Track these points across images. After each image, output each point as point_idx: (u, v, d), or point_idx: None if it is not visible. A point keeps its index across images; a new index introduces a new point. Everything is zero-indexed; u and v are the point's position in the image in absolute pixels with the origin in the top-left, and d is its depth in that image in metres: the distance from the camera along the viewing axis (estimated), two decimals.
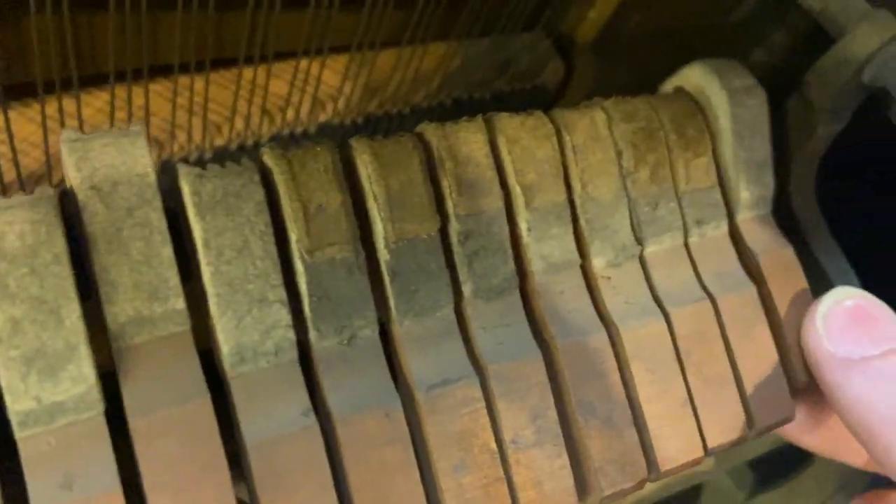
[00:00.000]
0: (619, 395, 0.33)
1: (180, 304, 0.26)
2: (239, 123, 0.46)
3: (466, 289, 0.32)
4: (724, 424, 0.35)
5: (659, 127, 0.37)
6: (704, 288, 0.37)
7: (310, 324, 0.28)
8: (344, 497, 0.27)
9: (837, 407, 0.34)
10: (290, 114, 0.48)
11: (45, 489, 0.23)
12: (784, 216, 0.44)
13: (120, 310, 0.25)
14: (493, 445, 0.30)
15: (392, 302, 0.30)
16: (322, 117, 0.50)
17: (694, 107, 0.38)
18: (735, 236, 0.38)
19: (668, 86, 0.43)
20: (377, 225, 0.30)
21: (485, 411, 0.30)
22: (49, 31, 0.33)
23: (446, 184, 0.31)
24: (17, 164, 0.38)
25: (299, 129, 0.49)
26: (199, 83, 0.43)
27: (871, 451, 0.33)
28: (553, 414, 0.32)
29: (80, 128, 0.42)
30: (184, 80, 0.40)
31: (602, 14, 0.55)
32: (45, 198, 0.25)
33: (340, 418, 0.28)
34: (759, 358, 0.37)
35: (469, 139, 0.32)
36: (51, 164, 0.38)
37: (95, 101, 0.43)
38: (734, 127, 0.38)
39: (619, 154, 0.36)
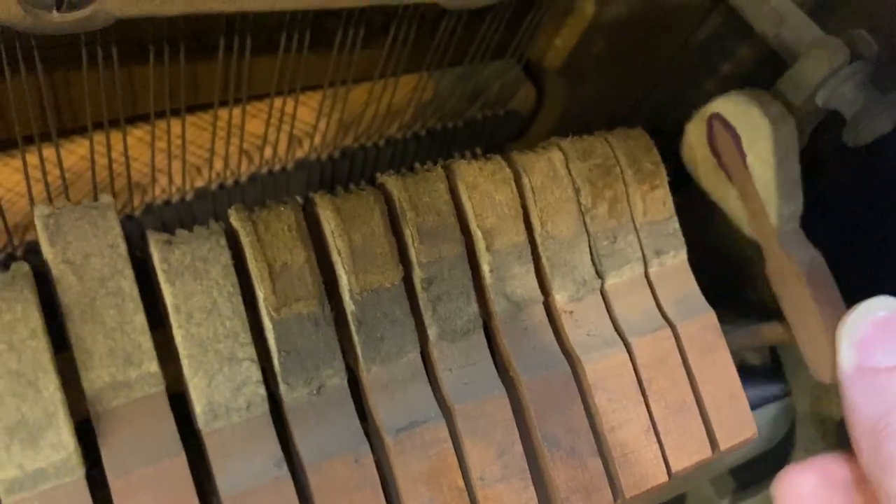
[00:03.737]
0: (583, 425, 0.35)
1: (154, 367, 0.28)
2: (218, 164, 0.48)
3: (432, 332, 0.33)
4: (688, 448, 0.37)
5: (615, 163, 0.38)
6: (665, 316, 0.38)
7: (279, 378, 0.30)
8: None
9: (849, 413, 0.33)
10: (268, 152, 0.50)
11: None
12: None
13: (96, 376, 0.27)
14: (461, 483, 0.32)
15: (359, 350, 0.31)
16: (299, 153, 0.51)
17: (648, 141, 0.40)
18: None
19: (700, 116, 0.44)
20: (342, 278, 0.31)
21: (452, 451, 0.32)
22: (25, 90, 0.35)
23: (408, 233, 0.33)
24: (2, 215, 0.39)
25: (277, 167, 0.50)
26: (176, 127, 0.44)
27: None
28: (519, 448, 0.33)
29: (62, 176, 0.44)
30: (161, 124, 0.42)
31: (568, 42, 0.57)
32: (21, 275, 0.26)
33: (311, 466, 0.29)
34: (719, 381, 0.38)
35: (430, 188, 0.34)
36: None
37: (79, 149, 0.45)
38: (775, 150, 0.40)
39: (577, 192, 0.37)
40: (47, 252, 0.27)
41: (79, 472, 0.26)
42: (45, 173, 0.41)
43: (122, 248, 0.28)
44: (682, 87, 0.62)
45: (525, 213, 0.36)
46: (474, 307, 0.34)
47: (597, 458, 0.35)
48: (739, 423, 0.38)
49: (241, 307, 0.29)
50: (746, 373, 0.49)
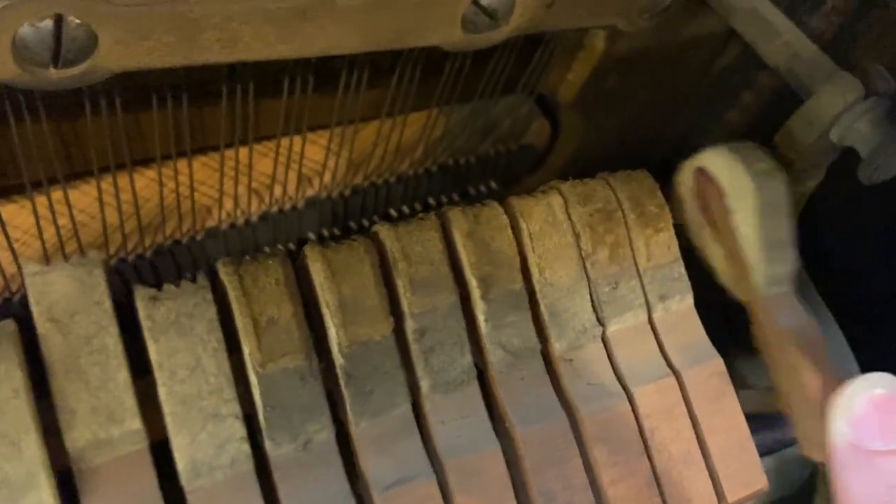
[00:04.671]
0: (581, 479, 0.34)
1: (136, 424, 0.28)
2: (228, 204, 0.48)
3: (424, 384, 0.33)
4: (692, 502, 0.36)
5: (616, 207, 0.38)
6: (669, 363, 0.37)
7: (265, 433, 0.29)
8: None
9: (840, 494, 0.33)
10: (278, 190, 0.50)
11: None
12: None
13: (79, 434, 0.27)
14: None
15: (348, 404, 0.31)
16: (309, 192, 0.51)
17: (653, 183, 0.39)
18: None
19: (688, 168, 0.43)
20: (330, 330, 0.31)
21: None
22: (31, 139, 0.36)
23: (400, 283, 0.33)
24: (15, 257, 0.40)
25: (288, 205, 0.50)
26: (185, 168, 0.44)
27: None
28: (514, 501, 0.32)
29: (72, 218, 0.44)
30: (170, 166, 0.42)
31: (579, 76, 0.56)
32: (5, 335, 0.26)
33: None
34: (727, 430, 0.37)
35: (423, 237, 0.33)
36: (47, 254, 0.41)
37: (93, 190, 0.45)
38: (759, 208, 0.38)
39: (577, 237, 0.37)
40: (34, 310, 0.27)
41: None
42: (54, 216, 0.41)
43: (108, 304, 0.28)
44: (701, 118, 0.61)
45: (523, 260, 0.36)
46: (469, 358, 0.34)
47: None
48: (748, 474, 0.37)
49: (226, 363, 0.29)
50: (761, 417, 0.48)
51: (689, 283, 0.39)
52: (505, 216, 0.35)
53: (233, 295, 0.29)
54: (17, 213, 0.43)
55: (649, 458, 0.35)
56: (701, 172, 0.39)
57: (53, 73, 0.34)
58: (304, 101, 0.44)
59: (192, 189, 0.47)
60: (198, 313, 0.29)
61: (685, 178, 0.40)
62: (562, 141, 0.60)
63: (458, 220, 0.34)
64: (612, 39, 0.56)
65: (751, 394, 0.43)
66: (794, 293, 0.39)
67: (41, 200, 0.37)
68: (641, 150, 0.51)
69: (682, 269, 0.39)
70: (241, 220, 0.49)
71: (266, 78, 0.45)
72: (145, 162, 0.47)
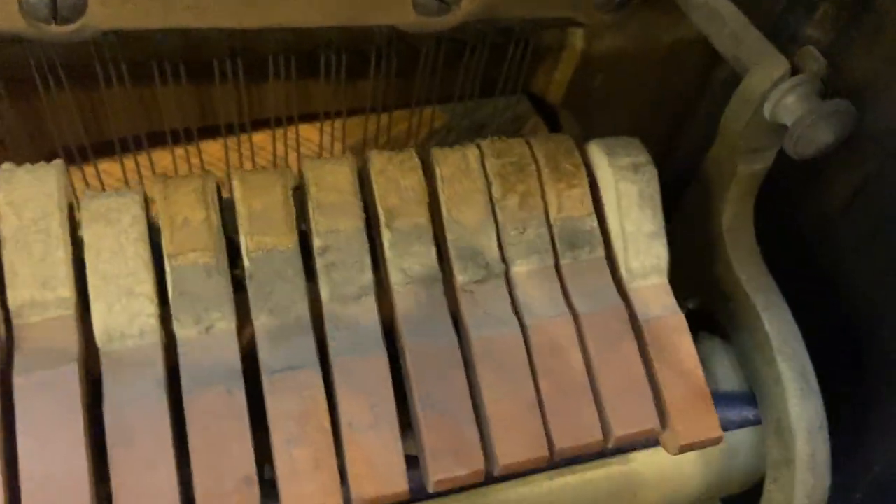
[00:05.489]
0: (463, 393, 0.37)
1: (67, 292, 0.34)
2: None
3: (324, 294, 0.38)
4: (576, 429, 0.38)
5: (530, 162, 0.41)
6: (570, 304, 0.40)
7: (173, 315, 0.35)
8: (187, 458, 0.34)
9: None
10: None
11: None
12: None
13: (19, 294, 0.34)
14: (328, 425, 0.35)
15: (250, 300, 0.36)
16: None
17: (571, 145, 0.43)
18: (626, 302, 0.41)
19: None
20: (241, 237, 0.37)
21: (323, 396, 0.35)
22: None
23: (310, 205, 0.38)
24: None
25: None
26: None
27: None
28: (392, 405, 0.36)
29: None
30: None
31: (564, 76, 0.60)
32: None
33: (190, 394, 0.34)
34: (621, 371, 0.39)
35: (335, 170, 0.39)
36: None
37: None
38: (618, 201, 0.42)
39: (488, 185, 0.41)
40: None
41: None
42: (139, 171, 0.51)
43: (56, 196, 0.35)
44: (716, 127, 0.63)
45: (434, 200, 0.40)
46: (368, 276, 0.38)
47: (473, 425, 0.37)
48: (639, 413, 0.39)
49: (146, 253, 0.35)
50: (722, 397, 0.49)
51: (601, 239, 0.42)
52: (417, 159, 0.40)
53: (156, 197, 0.36)
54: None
55: (536, 385, 0.38)
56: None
57: (54, 28, 0.42)
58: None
59: (253, 154, 0.54)
60: (124, 208, 0.35)
61: None
62: None
63: (375, 160, 0.39)
64: (590, 39, 0.60)
65: None
66: (667, 285, 0.42)
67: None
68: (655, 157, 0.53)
69: (595, 224, 0.42)
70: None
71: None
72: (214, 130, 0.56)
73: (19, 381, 0.33)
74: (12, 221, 0.34)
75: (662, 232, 0.42)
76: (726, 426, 0.48)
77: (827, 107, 0.42)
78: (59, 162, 0.36)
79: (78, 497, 0.32)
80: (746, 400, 0.51)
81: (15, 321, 0.34)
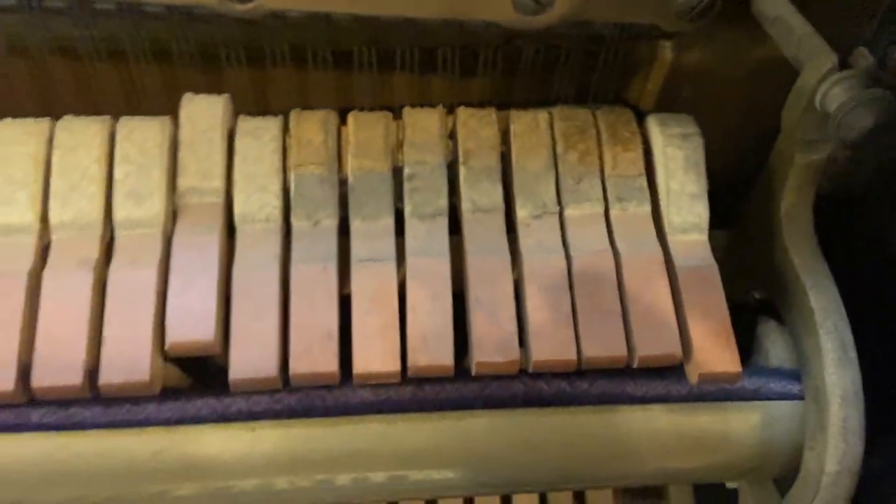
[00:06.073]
0: (509, 301, 0.46)
1: (219, 184, 0.46)
2: None
3: (406, 210, 0.48)
4: (603, 342, 0.45)
5: (592, 127, 0.50)
6: (613, 244, 0.48)
7: (292, 210, 0.47)
8: (287, 314, 0.45)
9: None
10: None
11: None
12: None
13: (185, 181, 0.46)
14: (396, 305, 0.45)
15: (350, 208, 0.47)
16: None
17: (630, 116, 0.51)
18: (665, 251, 0.48)
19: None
20: (348, 159, 0.48)
21: (395, 283, 0.45)
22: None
23: (405, 141, 0.48)
24: None
25: None
26: None
27: None
28: (449, 298, 0.45)
29: None
30: None
31: (655, 86, 0.66)
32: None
33: (296, 267, 0.45)
34: (651, 304, 0.46)
35: (428, 116, 0.49)
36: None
37: None
38: (666, 163, 0.49)
39: (553, 142, 0.50)
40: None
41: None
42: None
43: (220, 116, 0.47)
44: None
45: (508, 150, 0.49)
46: (444, 201, 0.48)
47: (514, 326, 0.45)
48: (664, 340, 0.46)
49: (279, 162, 0.47)
50: (770, 372, 0.54)
51: (648, 195, 0.49)
52: (495, 116, 0.50)
53: (291, 123, 0.47)
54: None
55: (573, 303, 0.46)
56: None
57: (238, 6, 0.55)
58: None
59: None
60: (268, 129, 0.47)
61: None
62: None
63: (461, 114, 0.50)
64: (679, 51, 0.66)
65: None
66: (706, 242, 0.48)
67: None
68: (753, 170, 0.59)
69: (644, 184, 0.49)
70: None
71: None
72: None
73: (178, 241, 0.45)
74: (188, 130, 0.47)
75: (704, 195, 0.49)
76: (769, 396, 0.53)
77: (867, 94, 0.48)
78: (226, 95, 0.49)
79: (205, 327, 0.43)
80: (794, 376, 0.55)
81: (178, 201, 0.47)
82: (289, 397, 0.44)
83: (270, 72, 0.61)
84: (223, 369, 0.43)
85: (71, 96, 0.56)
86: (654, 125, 0.50)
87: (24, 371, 0.41)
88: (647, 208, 0.50)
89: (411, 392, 0.45)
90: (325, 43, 0.60)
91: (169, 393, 0.44)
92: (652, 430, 0.49)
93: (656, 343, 0.46)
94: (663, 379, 0.49)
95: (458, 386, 0.46)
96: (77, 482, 0.43)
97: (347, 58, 0.61)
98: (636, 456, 0.49)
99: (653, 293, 0.47)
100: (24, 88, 0.54)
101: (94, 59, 0.55)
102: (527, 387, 0.47)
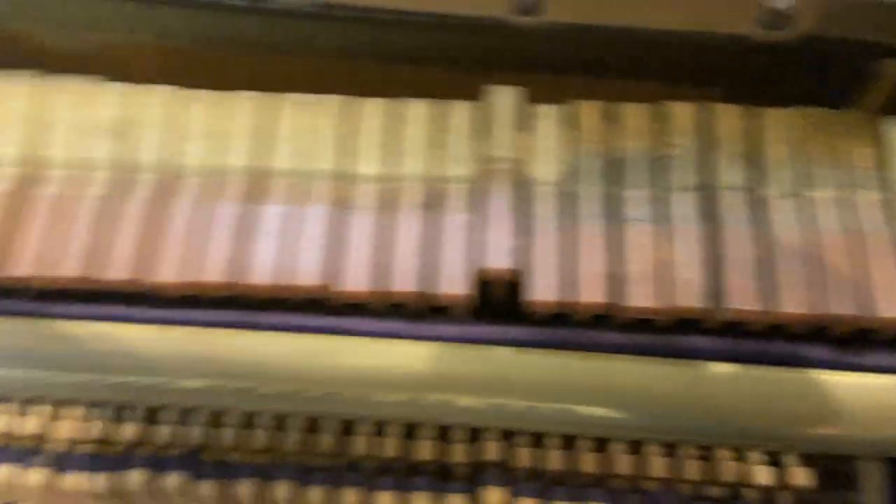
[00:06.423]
0: (759, 262, 0.53)
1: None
2: None
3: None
4: (849, 303, 0.52)
5: (832, 123, 0.58)
6: (849, 223, 0.55)
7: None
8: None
9: None
10: None
11: None
12: None
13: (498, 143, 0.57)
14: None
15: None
16: None
17: (868, 118, 0.58)
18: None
19: None
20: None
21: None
22: None
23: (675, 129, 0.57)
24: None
25: None
26: None
27: None
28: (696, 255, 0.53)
29: None
30: None
31: (878, 101, 0.69)
32: None
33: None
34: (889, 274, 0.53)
35: (685, 109, 0.58)
36: None
37: None
38: None
39: (797, 133, 0.57)
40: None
41: None
42: None
43: None
44: None
45: (757, 138, 0.58)
46: (700, 179, 0.56)
47: (765, 282, 0.53)
48: None
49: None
50: None
51: (879, 185, 0.56)
52: (743, 110, 0.58)
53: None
54: None
55: (819, 269, 0.53)
56: None
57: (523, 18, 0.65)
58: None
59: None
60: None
61: None
62: None
63: (716, 108, 0.58)
64: None
65: None
66: None
67: None
68: None
69: (877, 175, 0.56)
70: None
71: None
72: None
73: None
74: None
75: None
76: None
77: None
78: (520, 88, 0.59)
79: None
80: None
81: (481, 168, 0.57)
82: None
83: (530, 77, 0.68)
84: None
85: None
86: (891, 126, 0.57)
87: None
88: (879, 195, 0.56)
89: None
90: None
91: None
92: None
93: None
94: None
95: (714, 339, 0.54)
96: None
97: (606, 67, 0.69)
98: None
99: (887, 267, 0.53)
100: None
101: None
102: (772, 345, 0.54)
